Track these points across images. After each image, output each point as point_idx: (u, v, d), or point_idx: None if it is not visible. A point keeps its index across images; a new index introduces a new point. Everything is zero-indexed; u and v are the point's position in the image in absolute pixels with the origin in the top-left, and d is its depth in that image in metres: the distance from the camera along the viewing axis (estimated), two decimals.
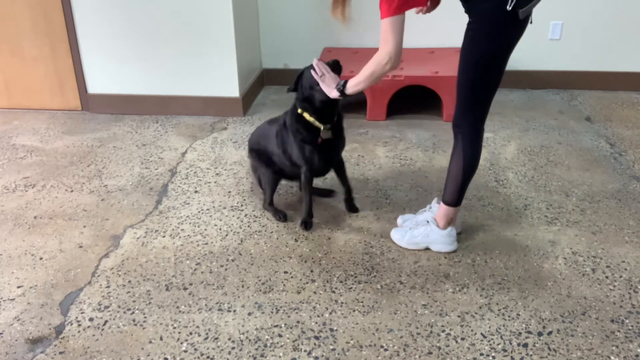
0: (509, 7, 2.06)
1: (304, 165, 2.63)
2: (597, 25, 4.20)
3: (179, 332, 2.10)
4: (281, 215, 2.78)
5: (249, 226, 2.74)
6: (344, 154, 3.38)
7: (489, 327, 2.08)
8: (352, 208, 2.83)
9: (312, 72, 2.47)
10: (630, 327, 2.06)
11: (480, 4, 2.13)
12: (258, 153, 2.79)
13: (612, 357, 1.94)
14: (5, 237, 2.70)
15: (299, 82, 2.58)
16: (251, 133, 2.92)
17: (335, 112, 2.59)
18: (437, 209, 2.50)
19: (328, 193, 2.97)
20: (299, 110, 2.58)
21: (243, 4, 4.06)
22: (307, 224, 2.69)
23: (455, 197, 2.41)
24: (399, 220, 2.69)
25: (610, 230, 2.63)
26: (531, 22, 2.22)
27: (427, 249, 2.50)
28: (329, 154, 2.67)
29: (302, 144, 2.59)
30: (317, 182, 3.07)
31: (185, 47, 3.93)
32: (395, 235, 2.56)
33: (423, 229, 2.48)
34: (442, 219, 2.45)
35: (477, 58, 2.19)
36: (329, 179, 3.13)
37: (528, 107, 4.10)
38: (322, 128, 2.55)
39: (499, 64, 2.20)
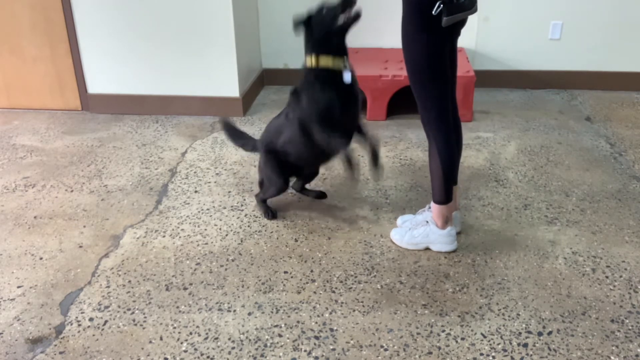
0: (434, 12, 2.07)
1: (318, 112, 2.43)
2: (597, 25, 4.20)
3: (179, 332, 2.10)
4: (270, 214, 2.77)
5: (249, 226, 2.74)
6: None
7: (489, 327, 2.08)
8: (377, 163, 2.51)
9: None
10: (630, 327, 2.06)
11: None
12: (275, 154, 2.66)
13: (612, 357, 1.94)
14: (5, 237, 2.70)
15: (310, 24, 2.44)
16: (262, 136, 2.80)
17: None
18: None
19: (320, 195, 2.94)
20: (313, 60, 2.44)
21: (243, 4, 4.06)
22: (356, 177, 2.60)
23: (442, 195, 2.42)
24: (399, 221, 2.69)
25: (610, 230, 2.63)
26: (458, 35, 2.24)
27: (427, 249, 2.50)
28: (354, 102, 2.51)
29: (324, 96, 2.42)
30: (314, 182, 3.07)
31: (185, 47, 3.93)
32: (395, 235, 2.56)
33: (422, 229, 2.48)
34: (438, 218, 2.46)
35: (407, 57, 2.25)
36: (328, 180, 3.13)
37: (528, 107, 4.10)
38: (343, 65, 2.44)
39: (430, 63, 2.21)
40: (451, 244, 2.48)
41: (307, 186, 2.97)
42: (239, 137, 2.94)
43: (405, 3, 2.18)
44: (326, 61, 2.45)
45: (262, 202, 2.81)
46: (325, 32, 2.43)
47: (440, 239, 2.46)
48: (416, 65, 2.24)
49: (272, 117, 2.82)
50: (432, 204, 2.47)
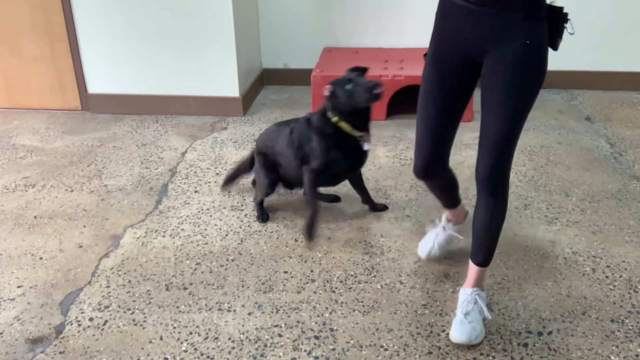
0: (571, 31, 1.80)
1: (318, 165, 2.52)
2: (597, 25, 4.20)
3: (179, 332, 2.10)
4: (264, 217, 2.76)
5: (249, 226, 2.74)
6: None
7: (489, 327, 2.08)
8: (376, 207, 2.82)
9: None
10: (630, 327, 2.06)
11: (533, 20, 1.76)
12: (264, 157, 2.73)
13: (612, 357, 1.94)
14: (5, 237, 2.70)
15: (337, 92, 2.43)
16: (259, 135, 2.87)
17: (369, 117, 2.52)
18: (475, 273, 2.11)
19: (335, 199, 2.93)
20: (334, 119, 2.47)
21: (243, 4, 4.06)
22: (311, 235, 2.52)
23: (492, 256, 2.11)
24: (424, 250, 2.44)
25: (610, 230, 2.63)
26: None
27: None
28: (357, 161, 2.60)
29: (329, 149, 2.51)
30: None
31: (185, 47, 3.93)
32: (461, 337, 2.01)
33: (476, 314, 2.06)
34: (484, 280, 2.16)
35: (520, 96, 1.83)
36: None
37: None
38: (359, 136, 2.49)
39: (534, 101, 1.88)
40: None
41: (321, 190, 2.93)
42: (242, 168, 2.95)
43: (532, 30, 1.78)
44: (346, 127, 2.48)
45: (258, 204, 2.80)
46: (351, 107, 2.44)
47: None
48: (528, 106, 1.85)
49: (274, 121, 2.82)
50: (478, 268, 2.09)
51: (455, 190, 2.31)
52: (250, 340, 2.06)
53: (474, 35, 1.80)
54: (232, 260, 2.49)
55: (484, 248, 2.06)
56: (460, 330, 1.99)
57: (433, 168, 2.09)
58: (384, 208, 2.83)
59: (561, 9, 1.78)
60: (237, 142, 3.64)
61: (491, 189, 1.95)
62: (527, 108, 1.85)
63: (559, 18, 1.78)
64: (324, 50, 4.37)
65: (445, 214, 2.43)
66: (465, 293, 2.09)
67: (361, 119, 2.49)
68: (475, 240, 2.07)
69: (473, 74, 1.90)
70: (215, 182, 3.15)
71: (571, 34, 1.81)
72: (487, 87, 1.85)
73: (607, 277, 2.33)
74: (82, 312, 2.21)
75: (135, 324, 2.14)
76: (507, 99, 1.81)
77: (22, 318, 2.19)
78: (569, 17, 1.78)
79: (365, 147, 2.53)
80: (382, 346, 2.01)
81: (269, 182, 2.73)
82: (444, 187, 2.28)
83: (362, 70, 2.50)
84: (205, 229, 2.72)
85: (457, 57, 1.87)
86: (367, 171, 3.21)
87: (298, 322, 2.13)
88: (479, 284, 2.10)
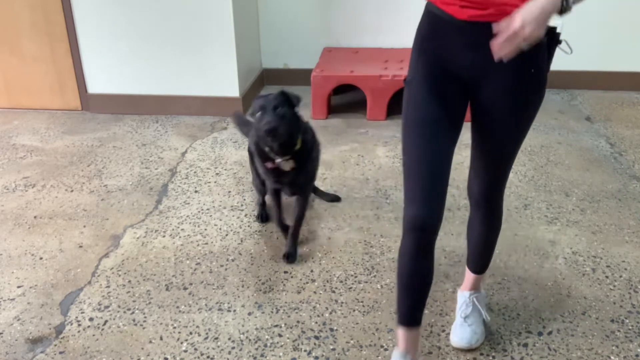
0: (567, 51, 1.63)
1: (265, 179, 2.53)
2: (596, 25, 4.20)
3: (179, 332, 2.10)
4: (264, 217, 2.76)
5: (249, 226, 2.74)
6: (345, 154, 3.39)
7: (489, 327, 2.08)
8: (289, 256, 2.47)
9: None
10: (630, 327, 2.06)
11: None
12: (252, 156, 2.69)
13: (612, 357, 1.94)
14: (5, 237, 2.70)
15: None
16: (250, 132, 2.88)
17: (291, 145, 2.34)
18: (471, 280, 2.11)
19: (335, 198, 2.94)
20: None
21: (243, 4, 4.06)
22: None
23: (489, 264, 2.09)
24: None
25: (610, 230, 2.63)
26: None
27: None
28: (282, 182, 2.47)
29: (261, 167, 2.47)
30: (326, 186, 3.06)
31: (185, 47, 3.93)
32: (461, 342, 2.01)
33: (477, 318, 2.06)
34: (483, 281, 2.16)
35: (528, 116, 1.74)
36: (328, 180, 3.13)
37: None
38: (280, 160, 2.36)
39: None
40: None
41: (322, 188, 2.95)
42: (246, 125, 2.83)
43: (538, 55, 1.61)
44: (267, 150, 2.37)
45: (259, 204, 2.80)
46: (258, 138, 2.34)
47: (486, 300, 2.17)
48: (529, 128, 1.76)
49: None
50: (475, 275, 2.09)
51: (430, 285, 1.80)
52: (250, 340, 2.06)
53: (470, 58, 1.61)
54: (232, 260, 2.49)
55: (482, 258, 2.05)
56: (460, 334, 1.99)
57: (435, 209, 1.70)
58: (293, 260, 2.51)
59: (554, 29, 1.62)
60: (237, 142, 3.64)
61: (488, 206, 1.92)
62: (527, 130, 1.77)
63: (552, 40, 1.63)
64: (324, 50, 4.37)
65: (401, 346, 1.80)
66: (463, 296, 2.09)
67: (279, 146, 2.31)
68: (471, 252, 2.05)
69: (466, 95, 1.74)
70: (215, 182, 3.15)
71: (569, 54, 1.64)
72: (486, 113, 1.72)
73: (607, 277, 2.33)
74: (82, 312, 2.21)
75: (135, 324, 2.14)
76: (511, 127, 1.73)
77: (22, 318, 2.19)
78: (562, 37, 1.63)
79: (283, 166, 2.38)
80: (382, 346, 2.01)
81: (260, 182, 2.71)
82: (429, 262, 1.77)
83: (287, 99, 2.30)
84: (205, 229, 2.72)
85: (450, 78, 1.68)
86: (367, 171, 3.21)
87: (298, 322, 2.13)
88: (476, 286, 2.09)
